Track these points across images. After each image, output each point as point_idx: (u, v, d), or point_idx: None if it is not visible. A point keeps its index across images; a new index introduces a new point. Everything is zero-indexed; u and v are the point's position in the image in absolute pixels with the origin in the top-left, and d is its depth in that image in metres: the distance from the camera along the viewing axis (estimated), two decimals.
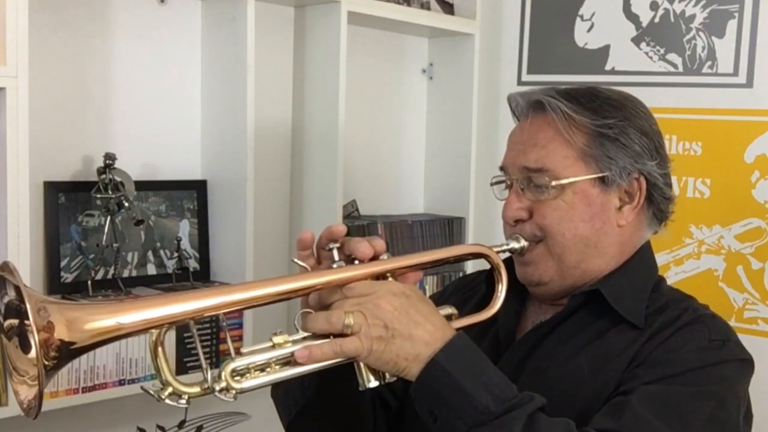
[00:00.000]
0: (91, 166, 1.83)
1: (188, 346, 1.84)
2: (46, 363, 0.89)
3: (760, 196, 2.21)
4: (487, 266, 1.24)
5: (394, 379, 1.05)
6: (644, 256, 1.26)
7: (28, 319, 0.88)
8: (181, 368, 1.83)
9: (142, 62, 1.92)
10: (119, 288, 1.81)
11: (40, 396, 0.90)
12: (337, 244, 1.09)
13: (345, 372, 1.08)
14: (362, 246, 1.08)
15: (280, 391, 1.27)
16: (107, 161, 1.78)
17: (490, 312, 1.18)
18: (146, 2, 1.92)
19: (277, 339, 1.03)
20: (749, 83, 2.21)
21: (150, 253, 1.93)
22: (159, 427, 2.03)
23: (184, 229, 1.98)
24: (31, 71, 1.55)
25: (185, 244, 1.97)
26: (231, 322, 1.92)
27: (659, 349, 1.12)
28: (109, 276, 1.82)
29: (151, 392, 0.99)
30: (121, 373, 1.74)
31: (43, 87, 1.74)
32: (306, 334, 1.04)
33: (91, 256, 1.81)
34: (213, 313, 1.00)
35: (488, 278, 1.28)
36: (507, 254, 1.22)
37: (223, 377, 0.99)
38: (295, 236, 2.22)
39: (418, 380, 1.02)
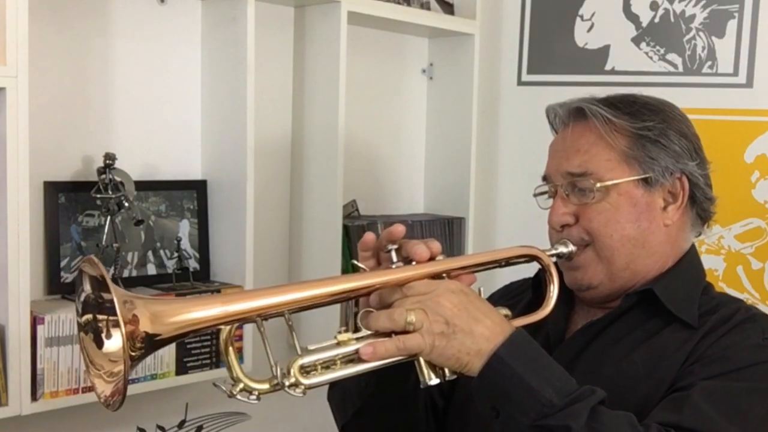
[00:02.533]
0: (91, 166, 1.83)
1: (188, 346, 1.84)
2: (132, 354, 0.93)
3: (760, 196, 2.21)
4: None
5: (455, 376, 1.07)
6: (692, 259, 1.28)
7: (110, 313, 0.92)
8: (181, 368, 1.83)
9: (142, 62, 1.92)
10: None
11: (124, 386, 0.93)
12: (396, 246, 1.12)
13: (401, 373, 1.10)
14: (419, 248, 1.11)
15: (336, 392, 1.29)
16: (107, 161, 1.78)
17: (544, 312, 1.20)
18: (146, 2, 1.92)
19: (341, 337, 1.06)
20: (749, 83, 2.21)
21: (150, 253, 1.93)
22: (159, 427, 2.03)
23: (184, 229, 1.98)
24: (31, 71, 1.55)
25: (185, 244, 1.97)
26: None
27: (714, 346, 1.13)
28: (109, 276, 1.82)
29: (223, 388, 1.02)
30: None
31: (43, 87, 1.74)
32: (368, 333, 1.07)
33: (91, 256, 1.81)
34: (279, 311, 1.03)
35: (535, 284, 1.31)
36: (555, 260, 1.24)
37: (292, 373, 1.02)
38: (295, 236, 2.22)
39: (480, 375, 1.04)
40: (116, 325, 0.92)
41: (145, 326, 0.94)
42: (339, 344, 1.05)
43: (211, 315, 0.99)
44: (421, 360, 1.06)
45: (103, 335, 0.96)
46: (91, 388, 1.69)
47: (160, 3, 1.94)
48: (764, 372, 1.11)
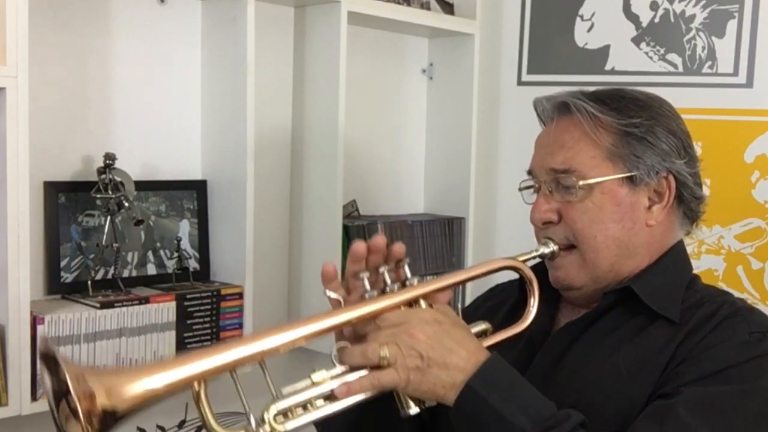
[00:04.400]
0: (91, 166, 1.83)
1: (188, 346, 1.84)
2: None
3: (760, 196, 2.21)
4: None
5: (434, 404, 1.06)
6: (677, 254, 1.25)
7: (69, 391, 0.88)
8: None
9: (142, 62, 1.92)
10: (119, 288, 1.81)
11: None
12: (368, 273, 1.10)
13: (385, 397, 1.08)
14: (377, 240, 1.11)
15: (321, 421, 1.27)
16: (107, 161, 1.78)
17: (523, 325, 1.18)
18: (146, 2, 1.92)
19: (315, 377, 1.04)
20: (749, 83, 2.21)
21: (150, 253, 1.93)
22: (159, 427, 2.03)
23: (184, 229, 1.98)
24: (31, 71, 1.55)
25: (185, 244, 1.97)
26: (231, 322, 1.92)
27: (699, 346, 1.10)
28: (109, 276, 1.82)
29: None
30: None
31: (43, 87, 1.74)
32: (344, 368, 1.05)
33: (91, 256, 1.81)
34: (250, 362, 1.00)
35: (521, 284, 1.28)
36: (538, 260, 1.22)
37: (266, 420, 0.99)
38: (295, 236, 2.22)
39: (455, 407, 1.03)
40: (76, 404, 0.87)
41: (103, 402, 0.89)
42: (314, 384, 1.03)
43: (181, 380, 0.95)
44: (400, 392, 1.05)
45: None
46: None
47: (160, 3, 1.94)
48: (751, 371, 1.07)
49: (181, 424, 2.07)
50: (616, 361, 1.14)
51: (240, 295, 1.93)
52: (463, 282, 1.17)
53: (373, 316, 1.06)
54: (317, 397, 1.03)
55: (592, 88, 1.26)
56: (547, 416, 1.00)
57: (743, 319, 1.13)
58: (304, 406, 1.02)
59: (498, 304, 1.34)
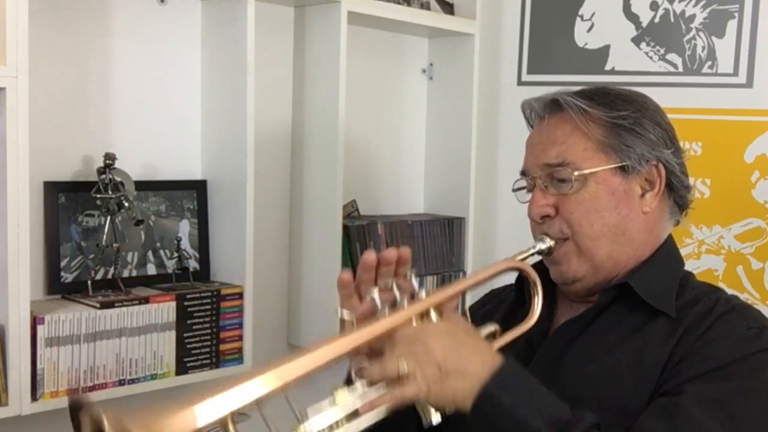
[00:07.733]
0: (91, 166, 1.83)
1: (188, 346, 1.84)
2: None
3: (760, 196, 2.21)
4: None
5: (453, 410, 1.08)
6: (669, 249, 1.28)
7: None
8: (182, 368, 1.83)
9: (142, 62, 1.92)
10: (119, 288, 1.81)
11: None
12: (377, 289, 1.12)
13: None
14: (389, 253, 1.15)
15: None
16: (107, 161, 1.78)
17: (530, 323, 1.21)
18: (146, 2, 1.92)
19: (339, 397, 1.05)
20: (749, 83, 2.22)
21: (150, 253, 1.93)
22: None
23: (184, 229, 1.98)
24: (31, 71, 1.55)
25: (185, 244, 1.97)
26: (231, 322, 1.92)
27: (699, 341, 1.13)
28: (109, 276, 1.82)
29: None
30: (121, 373, 1.74)
31: (43, 87, 1.74)
32: (363, 384, 1.06)
33: (91, 256, 1.81)
34: (273, 395, 1.05)
35: (518, 286, 1.31)
36: (537, 257, 1.24)
37: None
38: (295, 236, 2.22)
39: (472, 413, 1.05)
40: None
41: None
42: (338, 405, 1.05)
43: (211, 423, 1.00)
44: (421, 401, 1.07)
45: None
46: (91, 388, 1.70)
47: (160, 3, 1.94)
48: (752, 366, 1.10)
49: None
50: (617, 356, 1.16)
51: (240, 295, 1.93)
52: (469, 288, 1.20)
53: (389, 332, 1.09)
54: (343, 417, 1.04)
55: (578, 88, 1.30)
56: (562, 417, 1.02)
57: (740, 315, 1.16)
58: (331, 427, 1.04)
59: (493, 309, 1.37)
